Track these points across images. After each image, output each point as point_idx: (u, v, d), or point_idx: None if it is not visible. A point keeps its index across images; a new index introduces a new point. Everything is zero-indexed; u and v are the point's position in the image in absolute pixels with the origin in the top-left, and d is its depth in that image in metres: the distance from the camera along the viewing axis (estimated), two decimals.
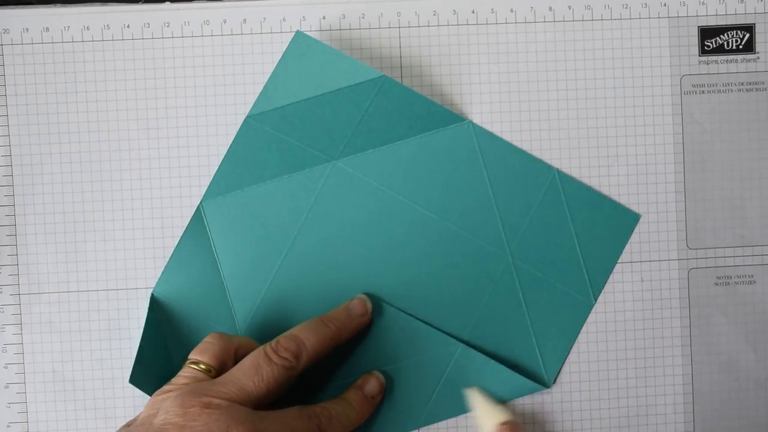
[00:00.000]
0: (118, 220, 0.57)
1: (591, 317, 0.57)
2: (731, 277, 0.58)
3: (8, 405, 0.56)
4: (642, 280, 0.57)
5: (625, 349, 0.57)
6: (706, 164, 0.58)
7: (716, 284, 0.58)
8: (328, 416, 0.51)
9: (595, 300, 0.57)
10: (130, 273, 0.57)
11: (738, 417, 0.58)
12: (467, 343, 0.56)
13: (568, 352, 0.57)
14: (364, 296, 0.55)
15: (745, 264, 0.58)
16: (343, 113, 0.55)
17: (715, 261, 0.58)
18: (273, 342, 0.51)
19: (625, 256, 0.57)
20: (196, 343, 0.52)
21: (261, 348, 0.50)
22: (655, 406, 0.57)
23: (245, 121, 0.55)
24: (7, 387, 0.56)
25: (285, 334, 0.52)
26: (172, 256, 0.56)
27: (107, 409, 0.56)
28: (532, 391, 0.56)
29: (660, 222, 0.58)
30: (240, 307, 0.56)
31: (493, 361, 0.55)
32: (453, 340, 0.55)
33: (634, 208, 0.58)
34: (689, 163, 0.58)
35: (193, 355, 0.51)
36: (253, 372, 0.49)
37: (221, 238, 0.56)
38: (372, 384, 0.55)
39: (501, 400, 0.56)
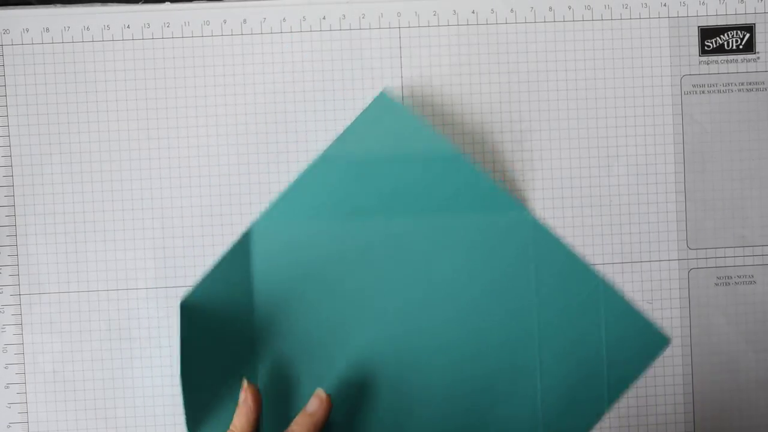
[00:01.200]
0: (118, 220, 0.57)
1: None
2: (731, 277, 0.58)
3: (9, 405, 0.56)
4: (642, 281, 0.57)
5: None
6: (706, 164, 0.58)
7: (716, 284, 0.58)
8: None
9: (608, 409, 0.56)
10: (130, 273, 0.57)
11: (738, 417, 0.58)
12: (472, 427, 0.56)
13: None
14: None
15: (746, 264, 0.58)
16: (410, 177, 0.55)
17: (715, 261, 0.58)
18: None
19: (625, 256, 0.57)
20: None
21: None
22: (655, 406, 0.57)
23: (317, 160, 0.55)
24: (8, 387, 0.56)
25: None
26: (209, 271, 0.54)
27: (107, 409, 0.57)
28: None
29: (660, 222, 0.58)
30: (261, 336, 0.55)
31: None
32: None
33: (634, 208, 0.57)
34: (689, 163, 0.58)
35: None
36: None
37: (262, 265, 0.55)
38: (312, 403, 0.53)
39: None
